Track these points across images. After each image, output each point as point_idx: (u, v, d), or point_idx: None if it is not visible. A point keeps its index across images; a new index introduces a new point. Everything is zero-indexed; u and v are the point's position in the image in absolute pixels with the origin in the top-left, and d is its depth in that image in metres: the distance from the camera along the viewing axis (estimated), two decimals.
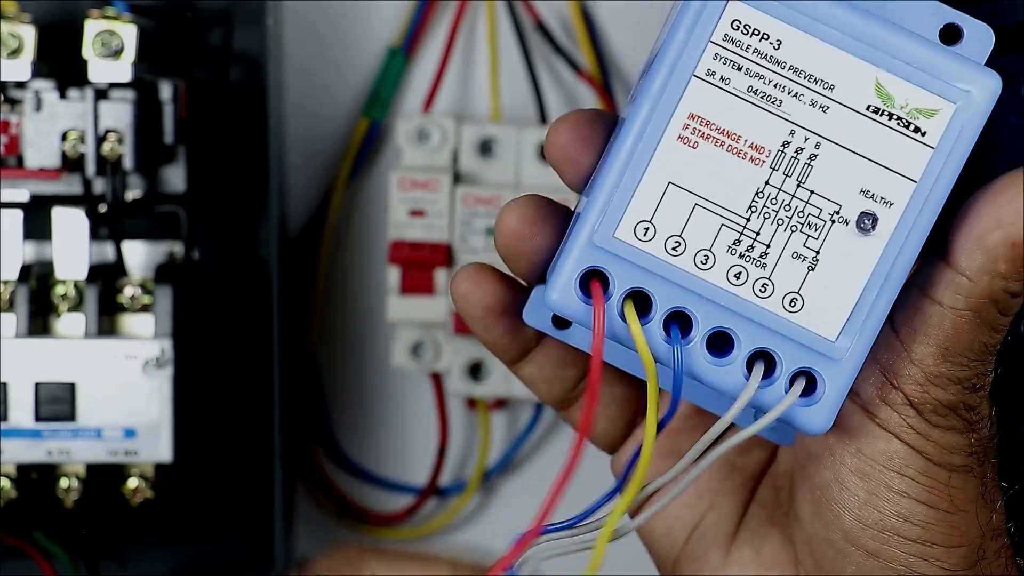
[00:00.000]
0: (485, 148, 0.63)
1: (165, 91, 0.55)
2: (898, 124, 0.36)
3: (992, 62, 0.45)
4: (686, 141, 0.36)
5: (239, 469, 0.60)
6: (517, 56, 0.64)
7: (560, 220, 0.39)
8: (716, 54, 0.36)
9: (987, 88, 0.36)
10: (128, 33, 0.54)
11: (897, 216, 0.36)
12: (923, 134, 0.36)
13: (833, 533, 0.40)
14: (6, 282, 0.55)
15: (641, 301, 0.37)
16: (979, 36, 0.38)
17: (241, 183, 0.60)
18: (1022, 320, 0.39)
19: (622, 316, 0.36)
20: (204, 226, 0.59)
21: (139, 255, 0.58)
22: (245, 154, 0.60)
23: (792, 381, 0.37)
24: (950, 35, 0.38)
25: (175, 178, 0.56)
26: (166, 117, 0.55)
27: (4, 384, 0.54)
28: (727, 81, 0.36)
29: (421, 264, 0.61)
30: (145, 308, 0.56)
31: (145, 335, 0.55)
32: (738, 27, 0.36)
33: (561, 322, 0.41)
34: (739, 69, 0.36)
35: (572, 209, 0.39)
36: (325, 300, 0.65)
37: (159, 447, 0.54)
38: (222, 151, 0.60)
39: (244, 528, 0.61)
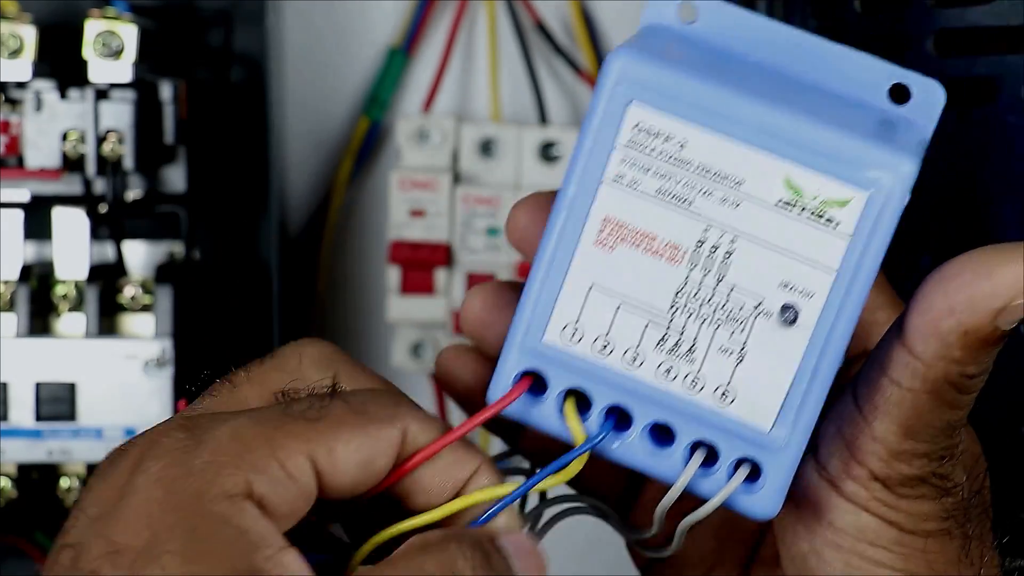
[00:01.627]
0: (485, 148, 0.63)
1: (165, 91, 0.55)
2: (810, 216, 0.36)
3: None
4: (603, 244, 0.37)
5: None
6: (517, 56, 0.64)
7: None
8: (623, 158, 0.36)
9: (900, 173, 0.35)
10: (128, 33, 0.54)
11: (819, 306, 0.36)
12: (837, 225, 0.36)
13: None
14: (7, 282, 0.55)
15: (583, 398, 0.37)
16: (927, 93, 0.37)
17: (241, 183, 0.60)
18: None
19: (562, 412, 0.37)
20: (204, 226, 0.59)
21: (139, 255, 0.58)
22: (245, 154, 0.60)
23: (737, 468, 0.37)
24: (899, 94, 0.37)
25: (175, 178, 0.56)
26: (166, 117, 0.55)
27: (5, 384, 0.54)
28: (636, 183, 0.36)
29: (421, 264, 0.61)
30: (145, 308, 0.56)
31: (145, 335, 0.55)
32: (642, 130, 0.36)
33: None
34: (647, 171, 0.36)
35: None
36: (325, 300, 0.65)
37: None
38: (222, 151, 0.60)
39: None
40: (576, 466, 0.37)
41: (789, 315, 0.36)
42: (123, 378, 0.54)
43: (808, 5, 0.51)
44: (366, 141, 0.64)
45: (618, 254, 0.37)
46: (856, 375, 0.39)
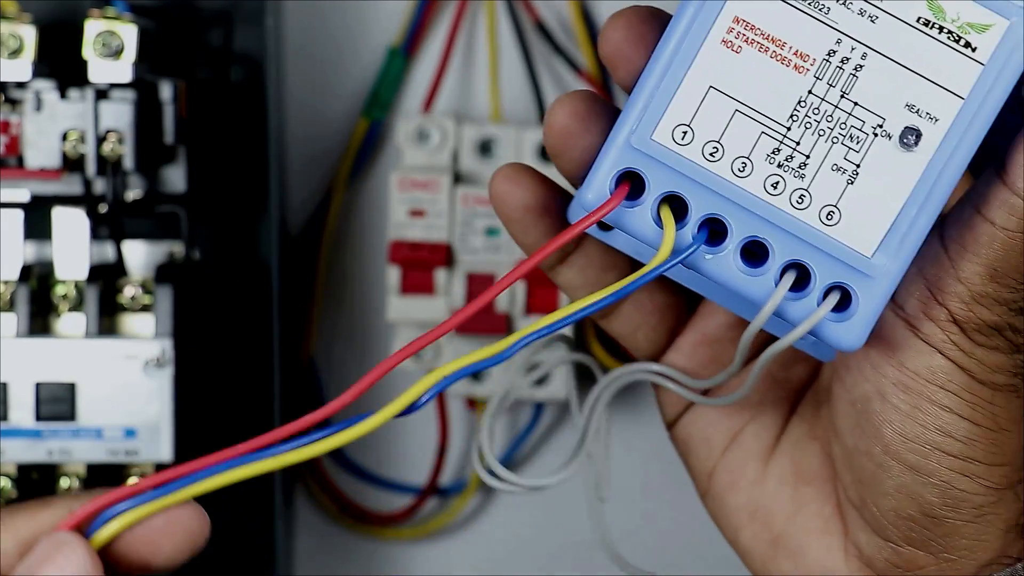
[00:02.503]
0: (485, 148, 0.63)
1: (165, 91, 0.55)
2: (948, 38, 0.35)
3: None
4: (730, 45, 0.36)
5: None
6: (517, 56, 0.64)
7: (610, 119, 0.38)
8: None
9: None
10: (128, 33, 0.54)
11: (942, 133, 0.36)
12: (974, 50, 0.35)
13: (874, 447, 0.40)
14: (6, 282, 0.55)
15: (679, 205, 0.36)
16: None
17: (241, 183, 0.60)
18: None
19: (658, 219, 0.36)
20: (204, 226, 0.59)
21: (139, 255, 0.58)
22: (245, 154, 0.60)
23: (826, 295, 0.36)
24: None
25: (175, 178, 0.56)
26: (166, 117, 0.55)
27: (4, 384, 0.54)
28: None
29: (421, 264, 0.61)
30: (145, 308, 0.56)
31: (145, 335, 0.55)
32: None
33: (606, 224, 0.40)
34: None
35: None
36: (325, 300, 0.65)
37: (159, 447, 0.54)
38: (222, 151, 0.60)
39: (244, 528, 0.61)
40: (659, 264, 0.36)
41: (910, 138, 0.36)
42: (123, 378, 0.54)
43: None
44: (366, 141, 0.64)
45: (744, 56, 0.36)
46: (944, 217, 0.38)
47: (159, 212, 0.56)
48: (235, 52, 0.60)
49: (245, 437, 0.61)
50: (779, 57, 0.36)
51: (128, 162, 0.54)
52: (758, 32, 0.36)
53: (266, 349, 0.60)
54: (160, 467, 0.55)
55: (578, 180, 0.39)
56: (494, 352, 0.36)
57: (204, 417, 0.57)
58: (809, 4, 0.36)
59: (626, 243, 0.41)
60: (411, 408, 0.35)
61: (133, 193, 0.55)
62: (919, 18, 0.35)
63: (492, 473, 0.42)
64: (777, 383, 0.44)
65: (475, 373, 0.62)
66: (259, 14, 0.60)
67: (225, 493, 0.60)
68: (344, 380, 0.65)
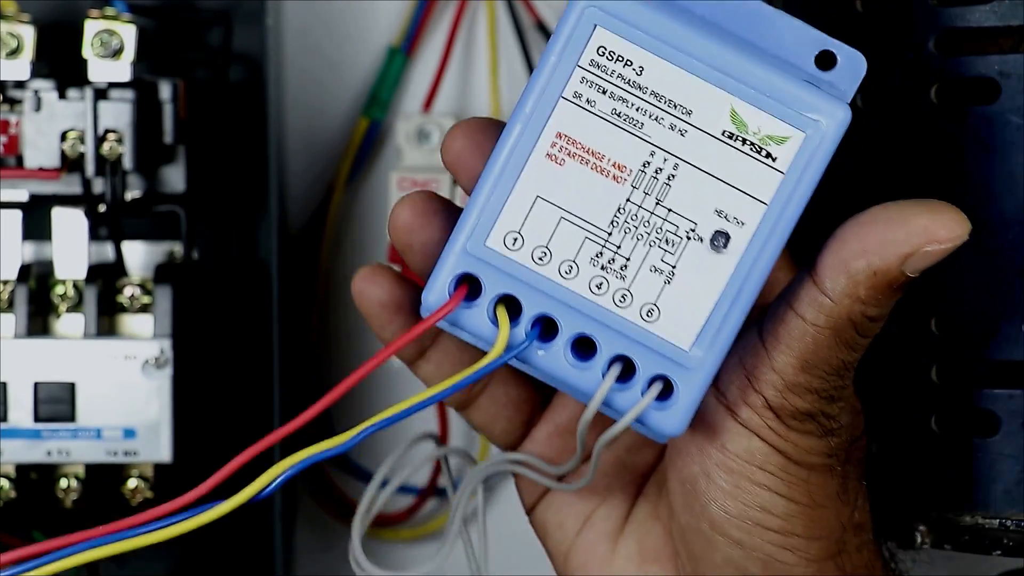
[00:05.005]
0: None
1: (165, 91, 0.55)
2: (751, 149, 0.38)
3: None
4: (554, 158, 0.39)
5: (236, 481, 0.60)
6: (517, 56, 0.63)
7: (451, 216, 0.41)
8: (583, 78, 0.38)
9: (836, 118, 0.38)
10: (128, 33, 0.54)
11: (748, 236, 0.39)
12: (774, 159, 0.38)
13: (702, 523, 0.42)
14: (6, 282, 0.55)
15: (513, 305, 0.39)
16: (852, 63, 0.40)
17: (241, 183, 0.60)
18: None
19: (494, 318, 0.39)
20: (204, 226, 0.59)
21: (139, 255, 0.58)
22: (245, 154, 0.60)
23: (650, 385, 0.39)
24: (825, 61, 0.40)
25: (175, 178, 0.56)
26: (166, 117, 0.55)
27: (4, 384, 0.54)
28: (593, 103, 0.39)
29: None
30: (144, 308, 0.56)
31: (144, 335, 0.55)
32: (603, 53, 0.38)
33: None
34: (604, 92, 0.39)
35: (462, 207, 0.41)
36: (325, 300, 0.65)
37: (159, 447, 0.54)
38: (222, 151, 0.60)
39: (244, 528, 0.61)
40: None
41: (720, 241, 0.39)
42: (122, 378, 0.54)
43: (808, 5, 0.51)
44: (366, 141, 0.64)
45: (567, 169, 0.39)
46: (763, 311, 0.41)
47: (158, 212, 0.56)
48: (235, 52, 0.61)
49: (244, 437, 0.61)
50: (599, 168, 0.39)
51: (127, 162, 0.54)
52: (579, 146, 0.39)
53: (265, 349, 0.60)
54: (159, 467, 0.55)
55: (425, 274, 0.42)
56: (339, 442, 0.39)
57: (203, 417, 0.57)
58: (625, 120, 0.39)
59: (474, 336, 0.44)
60: (257, 497, 0.39)
61: (132, 193, 0.55)
62: (724, 131, 0.38)
63: (362, 568, 0.44)
64: (624, 468, 0.47)
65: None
66: (259, 14, 0.60)
67: (225, 493, 0.60)
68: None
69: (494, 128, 0.41)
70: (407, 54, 0.64)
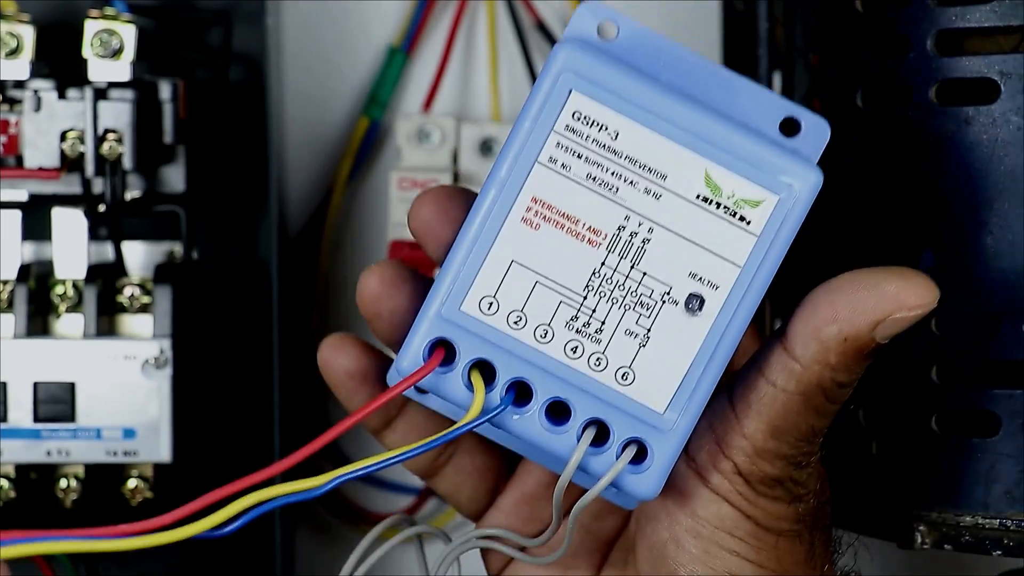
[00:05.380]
0: (485, 148, 0.63)
1: (164, 91, 0.55)
2: (725, 213, 0.39)
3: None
4: (529, 223, 0.39)
5: (239, 469, 0.60)
6: (517, 56, 0.63)
7: (419, 285, 0.42)
8: (558, 142, 0.39)
9: (808, 181, 0.38)
10: (127, 33, 0.54)
11: (722, 298, 0.39)
12: (748, 223, 0.39)
13: None
14: (5, 282, 0.55)
15: (488, 370, 0.39)
16: (816, 129, 0.40)
17: (241, 183, 0.60)
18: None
19: (469, 383, 0.39)
20: (204, 226, 0.59)
21: (138, 255, 0.58)
22: (245, 154, 0.60)
23: (624, 449, 0.39)
24: (790, 127, 0.40)
25: (174, 178, 0.56)
26: (166, 117, 0.55)
27: (3, 384, 0.54)
28: (568, 168, 0.39)
29: (420, 264, 0.61)
30: (144, 308, 0.56)
31: (144, 335, 0.55)
32: (579, 118, 0.39)
33: (422, 389, 0.43)
34: (579, 157, 0.39)
35: (432, 276, 0.41)
36: (325, 300, 0.65)
37: (159, 447, 0.54)
38: (222, 151, 0.60)
39: (244, 529, 0.61)
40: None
41: (694, 304, 0.39)
42: (122, 378, 0.54)
43: (808, 5, 0.51)
44: (366, 141, 0.64)
45: (542, 233, 0.39)
46: (733, 376, 0.41)
47: (158, 212, 0.56)
48: (235, 52, 0.60)
49: (244, 437, 0.61)
50: (574, 233, 0.39)
51: (127, 162, 0.54)
52: (554, 210, 0.39)
53: (266, 349, 0.60)
54: (159, 467, 0.55)
55: (393, 344, 0.42)
56: (312, 485, 0.39)
57: (203, 417, 0.57)
58: (600, 184, 0.39)
59: (442, 405, 0.44)
60: (221, 527, 0.38)
61: (132, 193, 0.55)
62: (698, 195, 0.39)
63: None
64: (589, 534, 0.47)
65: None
66: (259, 14, 0.60)
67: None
68: None
69: (461, 196, 0.41)
70: (407, 54, 0.64)
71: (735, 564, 0.42)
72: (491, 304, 0.39)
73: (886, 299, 0.39)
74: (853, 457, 0.48)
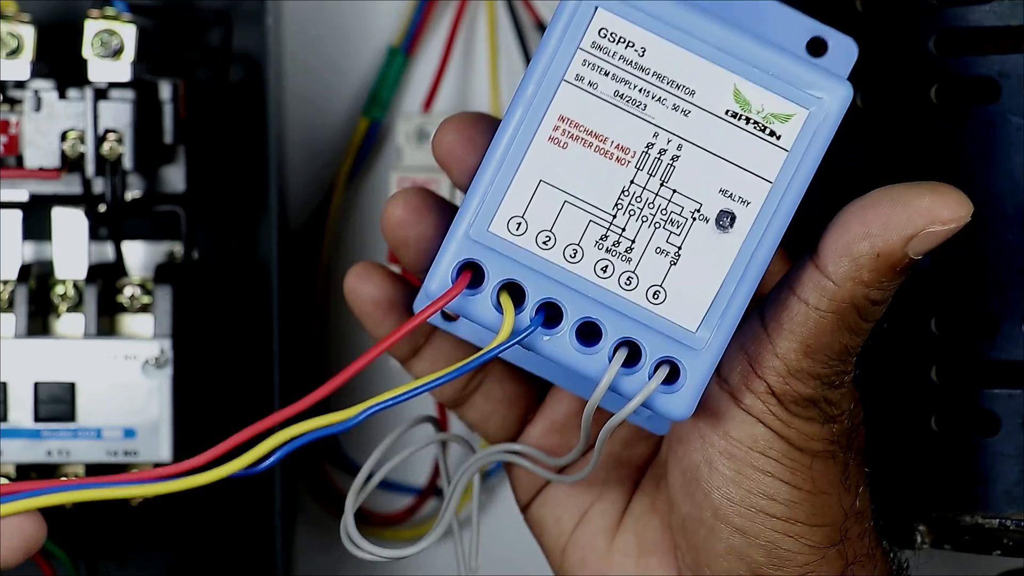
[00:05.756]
0: None
1: (165, 91, 0.55)
2: (755, 128, 0.38)
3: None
4: (556, 142, 0.38)
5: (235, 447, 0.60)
6: (517, 56, 0.63)
7: (444, 212, 0.42)
8: (584, 60, 0.38)
9: (838, 95, 0.38)
10: (128, 33, 0.54)
11: (754, 214, 0.38)
12: (778, 137, 0.38)
13: (704, 511, 0.42)
14: (5, 282, 0.55)
15: (517, 292, 0.39)
16: (843, 48, 0.41)
17: (241, 183, 0.60)
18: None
19: (498, 305, 0.39)
20: (204, 226, 0.59)
21: (139, 255, 0.58)
22: (245, 154, 0.60)
23: (656, 369, 0.39)
24: (817, 47, 0.41)
25: (175, 178, 0.56)
26: (166, 117, 0.55)
27: (4, 384, 0.54)
28: (595, 86, 0.38)
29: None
30: (145, 308, 0.56)
31: (145, 335, 0.55)
32: (605, 35, 0.38)
33: (450, 316, 0.43)
34: (606, 74, 0.38)
35: (457, 205, 0.41)
36: (325, 300, 0.65)
37: (159, 447, 0.54)
38: (222, 151, 0.60)
39: (244, 529, 0.61)
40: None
41: (725, 221, 0.38)
42: (122, 378, 0.54)
43: (808, 5, 0.51)
44: (366, 141, 0.64)
45: (570, 152, 0.38)
46: (764, 298, 0.41)
47: (158, 212, 0.56)
48: (235, 52, 0.60)
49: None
50: (602, 151, 0.39)
51: (127, 162, 0.54)
52: (582, 129, 0.38)
53: (266, 349, 0.60)
54: (159, 467, 0.55)
55: (419, 271, 0.42)
56: (342, 419, 0.39)
57: (203, 417, 0.57)
58: (628, 101, 0.38)
59: (470, 332, 0.44)
60: (253, 467, 0.38)
61: (132, 193, 0.55)
62: (727, 111, 0.38)
63: (353, 542, 0.44)
64: (620, 462, 0.47)
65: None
66: (259, 14, 0.60)
67: (225, 493, 0.60)
68: None
69: (486, 123, 0.41)
70: (407, 54, 0.64)
71: (769, 485, 0.41)
72: (519, 224, 0.39)
73: (919, 213, 0.38)
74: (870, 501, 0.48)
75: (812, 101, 0.38)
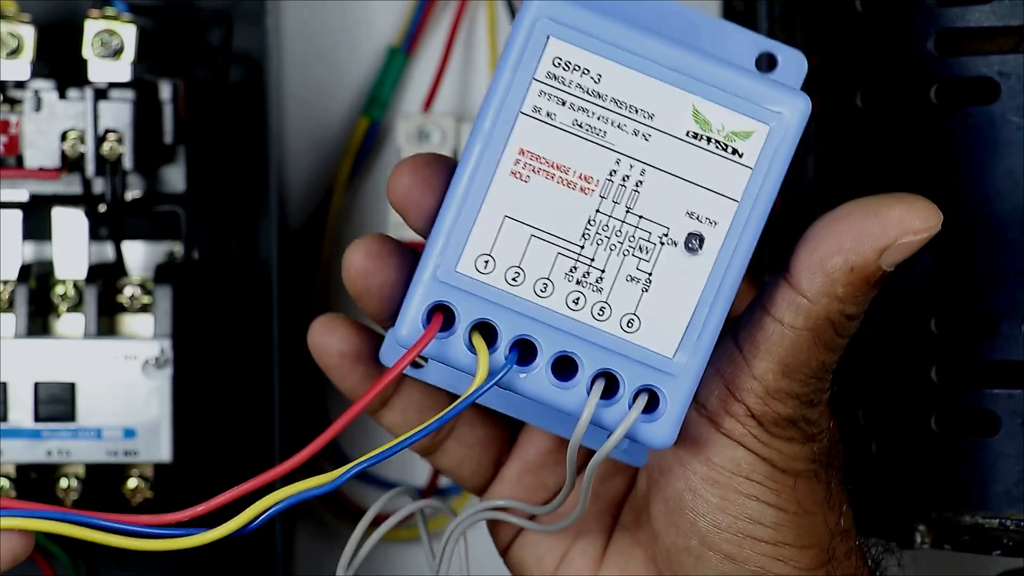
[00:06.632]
0: None
1: (165, 91, 0.55)
2: (716, 147, 0.38)
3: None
4: (518, 176, 0.38)
5: (239, 469, 0.60)
6: None
7: (406, 258, 0.41)
8: (541, 91, 0.38)
9: (797, 108, 0.38)
10: (128, 33, 0.54)
11: (722, 235, 0.38)
12: (741, 155, 0.38)
13: (691, 540, 0.42)
14: (6, 282, 0.55)
15: (489, 331, 0.38)
16: (793, 62, 0.41)
17: (241, 183, 0.60)
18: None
19: (470, 346, 0.38)
20: (204, 226, 0.59)
21: (139, 255, 0.58)
22: (245, 154, 0.60)
23: (635, 398, 0.38)
24: (767, 63, 0.40)
25: (175, 178, 0.56)
26: (166, 117, 0.55)
27: (4, 384, 0.54)
28: (553, 116, 0.38)
29: None
30: (145, 308, 0.56)
31: (145, 335, 0.55)
32: (559, 64, 0.38)
33: (418, 362, 0.42)
34: (563, 104, 0.38)
35: (419, 249, 0.40)
36: (325, 300, 0.65)
37: (159, 447, 0.54)
38: (222, 151, 0.60)
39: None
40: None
41: (694, 243, 0.38)
42: (122, 378, 0.54)
43: (808, 4, 0.51)
44: (366, 141, 0.64)
45: (532, 185, 0.38)
46: (737, 320, 0.41)
47: (158, 212, 0.56)
48: (235, 52, 0.60)
49: (244, 437, 0.61)
50: (565, 182, 0.38)
51: (127, 162, 0.54)
52: (543, 161, 0.38)
53: (266, 349, 0.60)
54: (159, 467, 0.55)
55: (383, 319, 0.41)
56: (326, 480, 0.38)
57: (203, 417, 0.57)
58: (587, 130, 0.38)
59: (439, 378, 0.44)
60: (243, 530, 0.38)
61: (132, 193, 0.55)
62: (688, 132, 0.38)
63: None
64: (598, 497, 0.46)
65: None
66: (259, 14, 0.60)
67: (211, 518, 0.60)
68: None
69: (441, 163, 0.40)
70: (407, 54, 0.64)
71: (755, 509, 0.41)
72: (487, 262, 0.38)
73: (891, 224, 0.38)
74: (853, 457, 0.48)
75: (772, 116, 0.38)
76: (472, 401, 0.38)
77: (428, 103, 0.64)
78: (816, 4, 0.51)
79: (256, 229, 0.61)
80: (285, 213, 0.64)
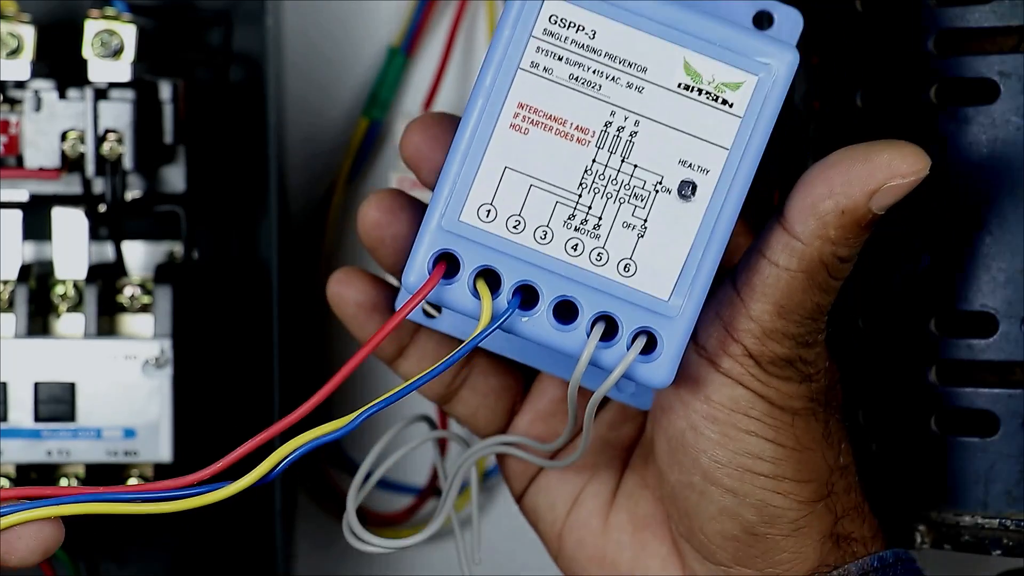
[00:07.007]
0: None
1: (165, 91, 0.55)
2: (707, 98, 0.40)
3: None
4: (518, 128, 0.40)
5: (239, 468, 0.60)
6: None
7: (417, 211, 0.43)
8: (538, 47, 0.40)
9: (785, 59, 0.40)
10: (128, 33, 0.54)
11: (714, 181, 0.40)
12: (730, 105, 0.40)
13: (693, 476, 0.43)
14: (6, 282, 0.55)
15: (492, 278, 0.40)
16: (789, 19, 0.43)
17: (241, 183, 0.60)
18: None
19: (475, 292, 0.40)
20: (204, 226, 0.59)
21: (139, 255, 0.58)
22: (245, 154, 0.60)
23: (633, 340, 0.40)
24: (763, 20, 0.43)
25: (175, 178, 0.56)
26: (166, 117, 0.55)
27: (4, 384, 0.54)
28: (550, 71, 0.40)
29: None
30: (145, 308, 0.56)
31: (145, 335, 0.55)
32: (555, 21, 0.40)
33: (430, 312, 0.44)
34: (560, 59, 0.40)
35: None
36: (325, 299, 0.65)
37: (159, 447, 0.54)
38: (222, 151, 0.60)
39: (244, 528, 0.61)
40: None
41: (687, 190, 0.40)
42: (122, 378, 0.54)
43: (808, 4, 0.51)
44: (366, 141, 0.64)
45: (531, 137, 0.40)
46: (735, 265, 0.42)
47: (158, 212, 0.56)
48: (235, 52, 0.60)
49: (244, 437, 0.61)
50: (562, 133, 0.40)
51: (127, 162, 0.54)
52: (541, 114, 0.40)
53: (266, 349, 0.60)
54: (159, 467, 0.55)
55: (397, 271, 0.43)
56: (339, 425, 0.40)
57: (203, 417, 0.57)
58: (583, 84, 0.40)
59: (452, 327, 0.46)
60: (262, 480, 0.40)
61: (132, 193, 0.55)
62: (679, 84, 0.40)
63: (354, 534, 0.45)
64: (608, 444, 0.48)
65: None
66: (259, 14, 0.60)
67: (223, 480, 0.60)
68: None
69: (449, 121, 0.42)
70: (407, 54, 0.64)
71: (754, 444, 0.42)
72: (489, 211, 0.40)
73: (879, 168, 0.40)
74: (853, 457, 0.48)
75: (760, 68, 0.39)
76: (477, 343, 0.39)
77: (428, 103, 0.64)
78: (816, 4, 0.51)
79: (256, 229, 0.61)
80: (285, 213, 0.64)
